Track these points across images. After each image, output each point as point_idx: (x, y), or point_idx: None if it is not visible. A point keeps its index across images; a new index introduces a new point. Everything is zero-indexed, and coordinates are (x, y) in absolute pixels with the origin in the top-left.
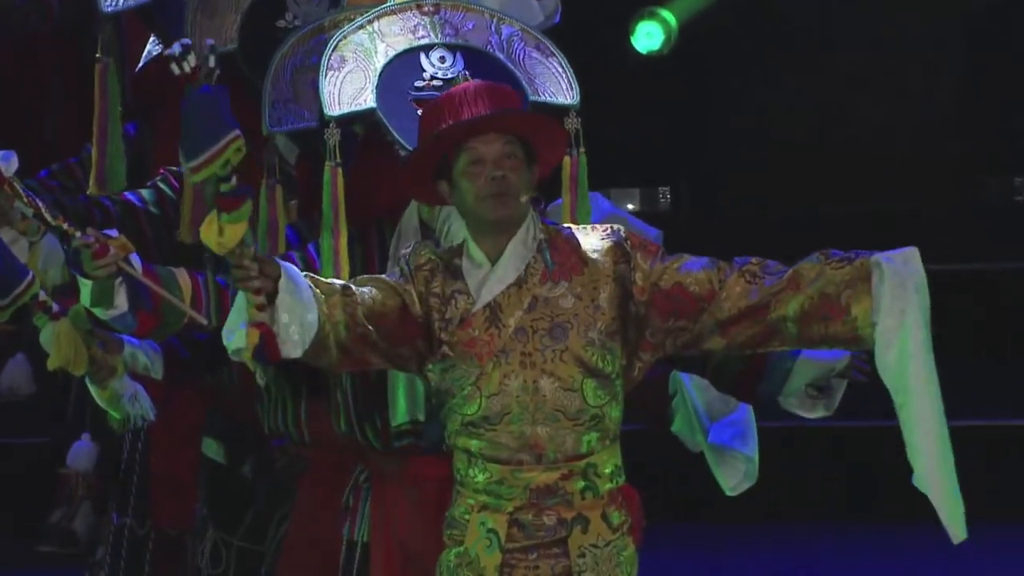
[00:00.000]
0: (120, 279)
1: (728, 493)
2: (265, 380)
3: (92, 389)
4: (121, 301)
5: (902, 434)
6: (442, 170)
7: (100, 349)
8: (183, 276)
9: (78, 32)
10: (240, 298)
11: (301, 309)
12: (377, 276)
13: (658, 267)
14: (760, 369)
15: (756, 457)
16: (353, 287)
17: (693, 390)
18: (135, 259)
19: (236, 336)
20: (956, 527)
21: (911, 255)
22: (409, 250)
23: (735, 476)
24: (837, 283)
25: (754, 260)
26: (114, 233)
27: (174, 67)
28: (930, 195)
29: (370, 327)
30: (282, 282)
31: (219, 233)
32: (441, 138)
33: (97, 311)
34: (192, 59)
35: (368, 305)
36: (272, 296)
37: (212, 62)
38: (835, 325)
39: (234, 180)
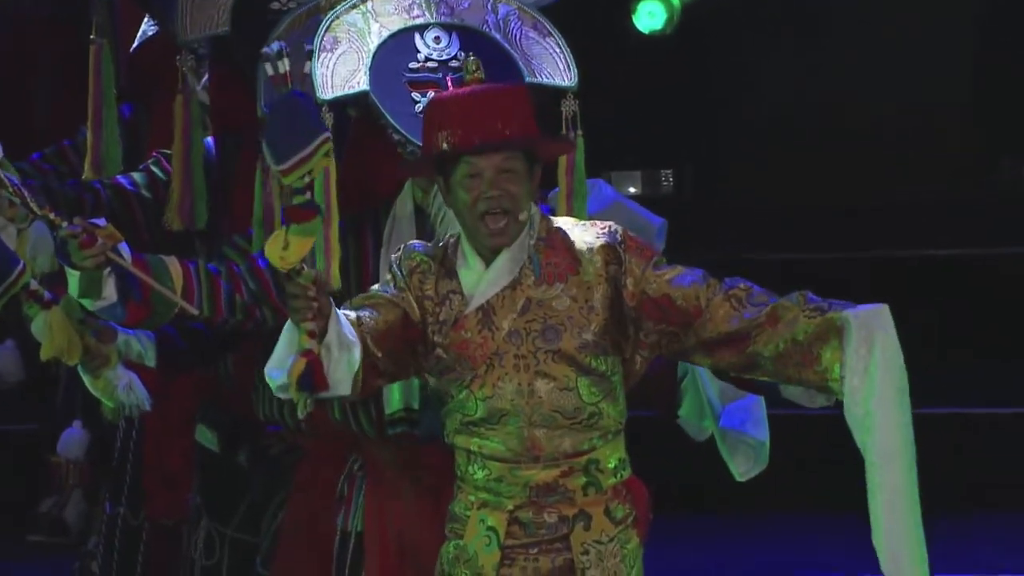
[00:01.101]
0: (109, 269)
1: (738, 479)
2: (307, 412)
3: (86, 379)
4: (110, 292)
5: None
6: (440, 167)
7: (93, 338)
8: (174, 265)
9: (72, 12)
10: (289, 332)
11: (349, 345)
12: (370, 293)
13: (650, 274)
14: None
15: (768, 442)
16: (359, 315)
17: (704, 373)
18: (124, 248)
19: (283, 371)
20: None
21: (879, 313)
22: (400, 254)
23: (746, 462)
24: (808, 333)
25: (742, 285)
26: (102, 222)
27: (268, 67)
28: (939, 181)
29: (379, 354)
30: (333, 316)
31: (284, 247)
32: (439, 158)
33: (85, 302)
34: (286, 62)
35: (372, 328)
36: (323, 331)
37: (306, 68)
38: (807, 372)
39: (309, 194)
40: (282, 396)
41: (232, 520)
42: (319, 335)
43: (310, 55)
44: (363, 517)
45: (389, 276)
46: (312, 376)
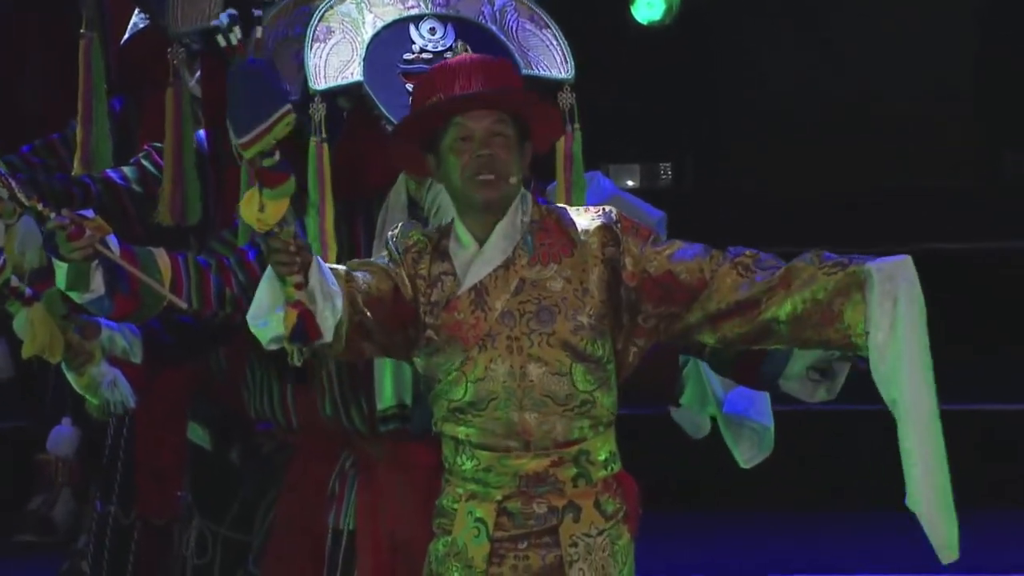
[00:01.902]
0: (97, 262)
1: (743, 465)
2: (300, 361)
3: (69, 376)
4: (98, 284)
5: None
6: (431, 143)
7: (77, 334)
8: (163, 257)
9: (61, 4)
10: (270, 281)
11: (331, 294)
12: (368, 260)
13: (649, 252)
14: (760, 351)
15: (772, 427)
16: (353, 273)
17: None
18: (112, 241)
19: (272, 322)
20: (948, 549)
21: (903, 265)
22: (396, 232)
23: (750, 448)
24: (829, 290)
25: (748, 252)
26: (90, 214)
27: (220, 39)
28: (941, 174)
29: (368, 314)
30: (313, 267)
31: (260, 209)
32: (429, 113)
33: (73, 295)
34: (238, 31)
35: (365, 291)
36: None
37: (259, 32)
38: (828, 332)
39: (278, 155)
40: (273, 347)
41: (225, 519)
42: (304, 287)
43: (261, 26)
44: (355, 515)
45: (385, 252)
46: (304, 326)
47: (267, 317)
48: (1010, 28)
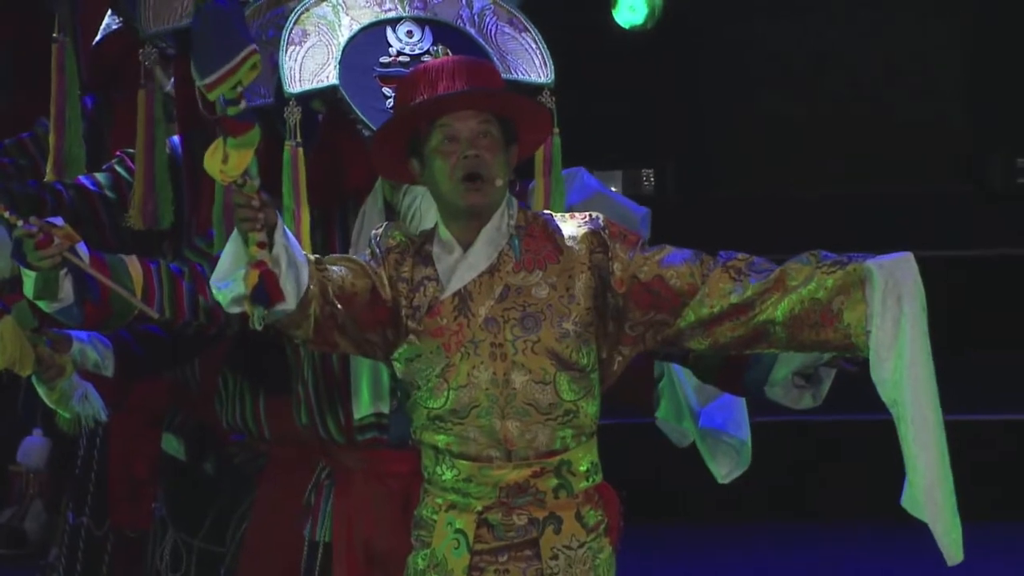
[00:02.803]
0: (65, 270)
1: (720, 480)
2: (263, 324)
3: (40, 389)
4: (66, 293)
5: (900, 447)
6: (414, 147)
7: (47, 347)
8: (134, 265)
9: (26, 2)
10: (235, 242)
11: (296, 263)
12: (347, 256)
13: (638, 258)
14: (745, 358)
15: (749, 441)
16: (325, 263)
17: (682, 372)
18: (82, 248)
19: (233, 282)
20: (953, 549)
21: (905, 261)
22: (380, 231)
23: (728, 463)
24: (829, 288)
25: (740, 256)
26: (59, 221)
27: None
28: (931, 177)
29: (339, 306)
30: (279, 231)
31: (223, 160)
32: (415, 114)
33: (41, 303)
34: None
35: (338, 284)
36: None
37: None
38: (827, 332)
39: (243, 103)
40: (235, 310)
41: (199, 530)
42: (268, 247)
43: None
44: (331, 527)
45: (368, 251)
46: (266, 287)
47: (229, 278)
48: (1002, 33)
